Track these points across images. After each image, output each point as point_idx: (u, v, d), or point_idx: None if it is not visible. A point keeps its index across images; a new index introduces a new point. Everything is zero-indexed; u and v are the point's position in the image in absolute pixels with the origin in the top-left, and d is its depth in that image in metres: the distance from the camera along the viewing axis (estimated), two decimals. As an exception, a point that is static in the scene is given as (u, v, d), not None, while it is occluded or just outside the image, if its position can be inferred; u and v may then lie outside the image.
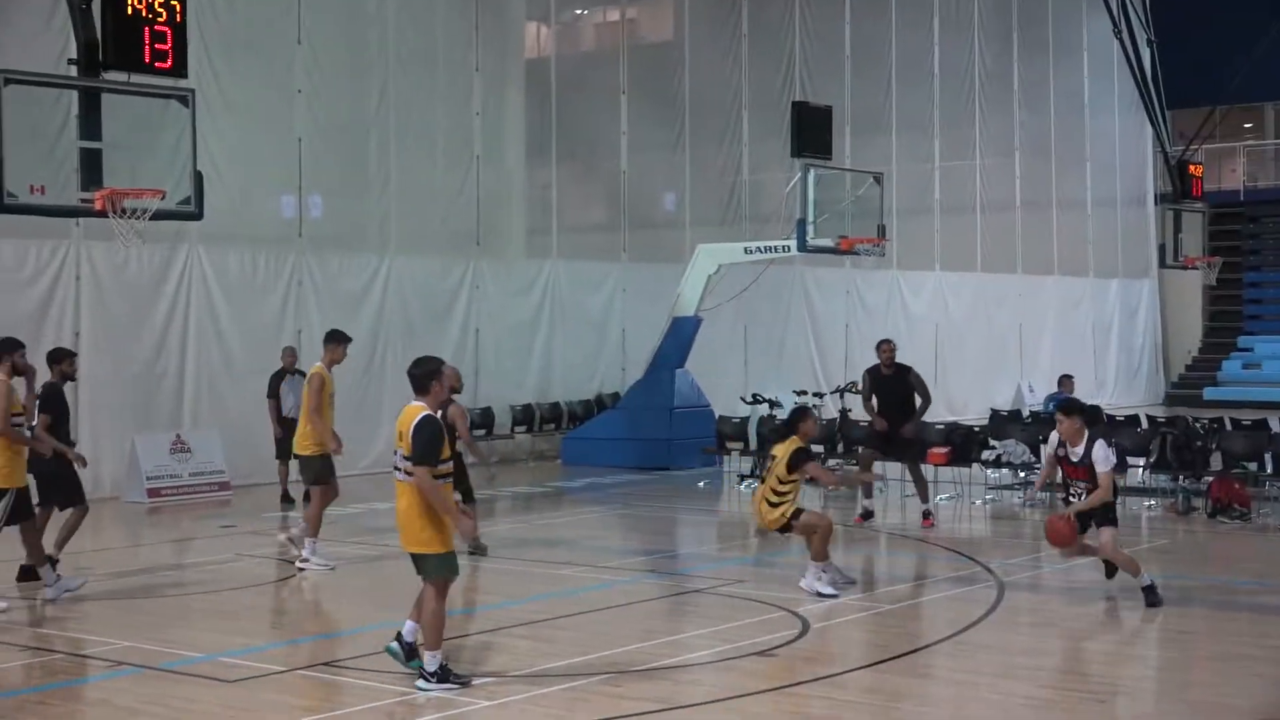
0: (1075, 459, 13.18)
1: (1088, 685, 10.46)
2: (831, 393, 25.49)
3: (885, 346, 18.61)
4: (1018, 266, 39.80)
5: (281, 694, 10.34)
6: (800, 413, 14.08)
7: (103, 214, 14.93)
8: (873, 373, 18.68)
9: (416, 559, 10.37)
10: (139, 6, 15.31)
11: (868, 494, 18.74)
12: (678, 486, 22.68)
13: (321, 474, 15.35)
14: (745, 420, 23.81)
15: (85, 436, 21.07)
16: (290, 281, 23.95)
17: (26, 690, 10.55)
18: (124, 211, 14.90)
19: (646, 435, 24.66)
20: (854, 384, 24.90)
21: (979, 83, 38.13)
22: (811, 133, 24.93)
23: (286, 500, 20.07)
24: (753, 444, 23.12)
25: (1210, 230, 42.18)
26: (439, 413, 10.47)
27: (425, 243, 26.24)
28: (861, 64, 34.42)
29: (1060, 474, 13.55)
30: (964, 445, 20.64)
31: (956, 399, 35.44)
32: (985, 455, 20.48)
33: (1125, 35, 36.67)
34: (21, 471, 13.22)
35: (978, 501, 20.00)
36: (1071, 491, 13.37)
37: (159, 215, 15.47)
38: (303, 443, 15.38)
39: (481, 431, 25.43)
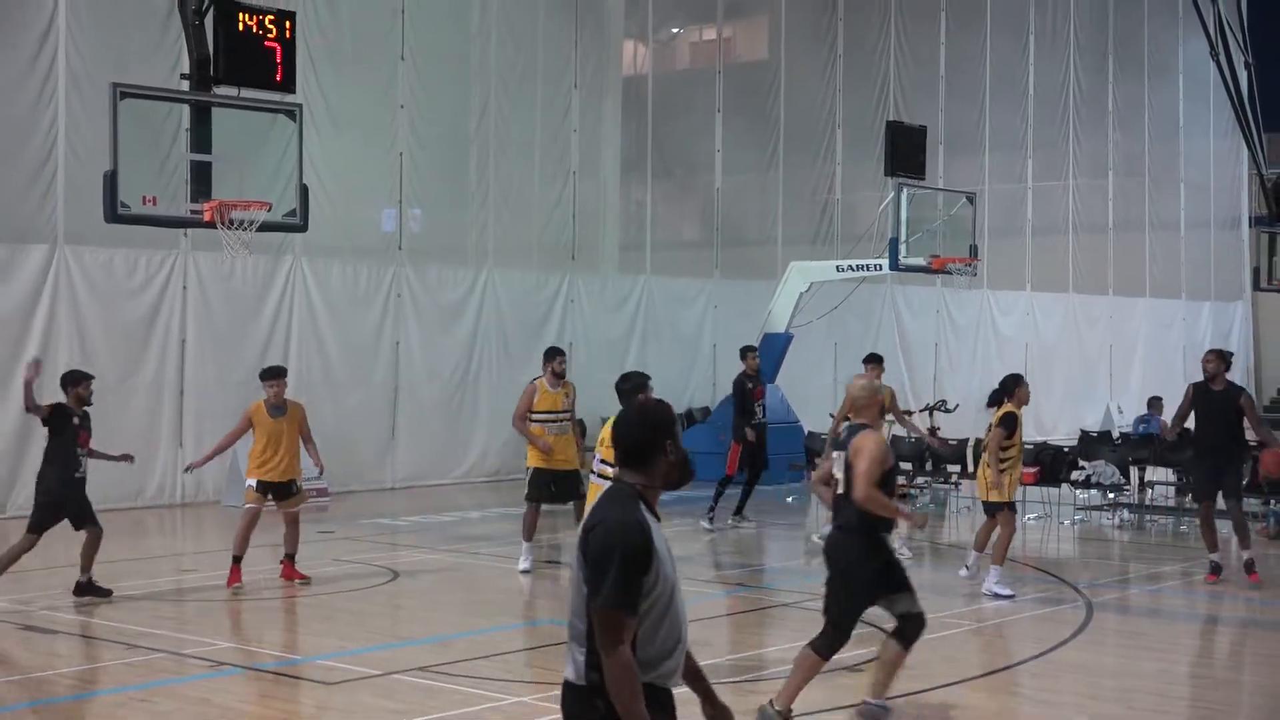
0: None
1: (1175, 707, 10.51)
2: (920, 410, 25.49)
3: (1210, 359, 16.07)
4: (1109, 288, 39.61)
5: (377, 697, 10.57)
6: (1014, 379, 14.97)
7: (211, 225, 15.26)
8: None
9: None
10: (250, 23, 15.66)
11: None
12: (766, 501, 22.79)
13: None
14: (834, 437, 23.82)
15: (189, 441, 21.56)
16: (390, 293, 24.35)
17: (130, 688, 10.82)
18: (232, 223, 15.24)
19: (736, 450, 24.62)
20: (943, 402, 24.94)
21: (1073, 103, 38.00)
22: (905, 152, 24.95)
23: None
24: (842, 461, 23.12)
25: (1305, 254, 41.67)
26: None
27: (522, 256, 26.55)
28: (956, 84, 34.43)
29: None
30: (1053, 465, 20.63)
31: (1046, 419, 35.31)
32: (1074, 476, 20.47)
33: (1222, 57, 36.32)
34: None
35: (1066, 522, 19.99)
36: None
37: (265, 227, 15.77)
38: None
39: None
